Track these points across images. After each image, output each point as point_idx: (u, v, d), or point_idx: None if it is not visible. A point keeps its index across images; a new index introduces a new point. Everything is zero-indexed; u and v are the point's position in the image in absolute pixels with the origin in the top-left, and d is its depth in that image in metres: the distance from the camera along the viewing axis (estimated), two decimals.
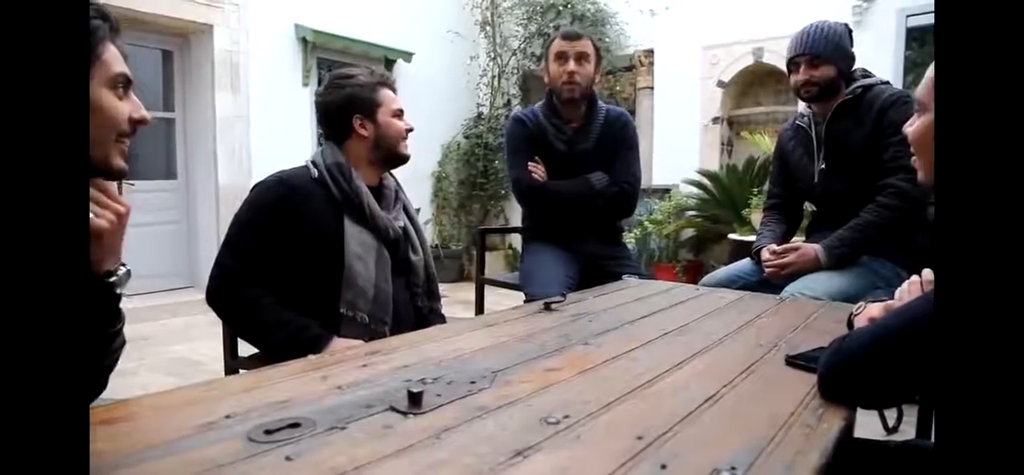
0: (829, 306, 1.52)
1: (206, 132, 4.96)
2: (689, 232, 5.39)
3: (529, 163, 2.14)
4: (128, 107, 0.93)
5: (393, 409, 0.77)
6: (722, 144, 5.55)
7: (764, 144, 4.73)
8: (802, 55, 1.87)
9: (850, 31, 1.89)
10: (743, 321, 1.34)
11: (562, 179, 2.13)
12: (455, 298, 5.02)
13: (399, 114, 1.59)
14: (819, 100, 1.92)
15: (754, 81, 5.48)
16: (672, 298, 1.61)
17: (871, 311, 0.99)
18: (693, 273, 5.28)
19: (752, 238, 4.37)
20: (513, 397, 0.83)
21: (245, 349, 1.52)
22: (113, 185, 0.94)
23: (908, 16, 4.71)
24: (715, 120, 5.51)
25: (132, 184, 4.79)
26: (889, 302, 1.00)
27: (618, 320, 1.32)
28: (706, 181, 5.16)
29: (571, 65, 2.09)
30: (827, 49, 1.83)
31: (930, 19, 4.62)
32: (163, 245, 4.98)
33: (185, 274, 5.01)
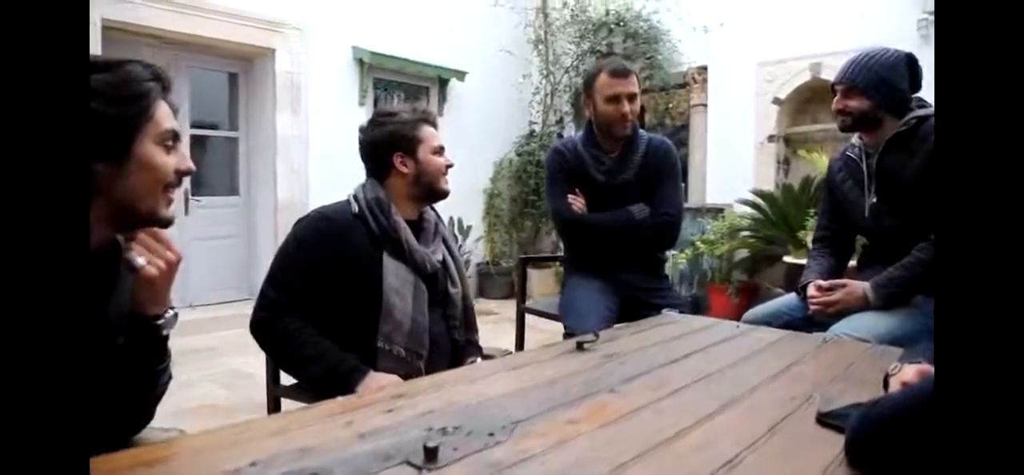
0: (873, 351, 1.46)
1: (267, 151, 5.17)
2: (743, 253, 5.25)
3: (569, 195, 2.14)
4: (175, 160, 1.00)
5: (409, 463, 0.79)
6: (778, 163, 5.40)
7: (822, 163, 4.56)
8: (839, 83, 1.83)
9: (912, 62, 1.81)
10: (780, 367, 1.30)
11: (602, 210, 2.13)
12: (504, 316, 5.05)
13: (439, 151, 1.63)
14: (853, 130, 1.87)
15: (812, 98, 5.31)
16: (709, 338, 1.58)
17: (906, 374, 0.95)
18: (746, 295, 5.15)
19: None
20: (528, 453, 0.84)
21: (287, 377, 1.58)
22: (166, 233, 1.00)
23: None
24: (771, 138, 5.37)
25: (198, 200, 5.04)
26: (924, 366, 0.96)
27: (649, 364, 1.31)
28: (761, 201, 5.03)
29: (626, 107, 2.09)
30: (865, 80, 1.77)
31: None
32: (225, 259, 5.21)
33: (245, 287, 5.22)
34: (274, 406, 1.62)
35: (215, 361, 3.81)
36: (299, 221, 1.55)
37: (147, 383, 1.02)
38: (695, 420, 0.98)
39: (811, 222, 4.36)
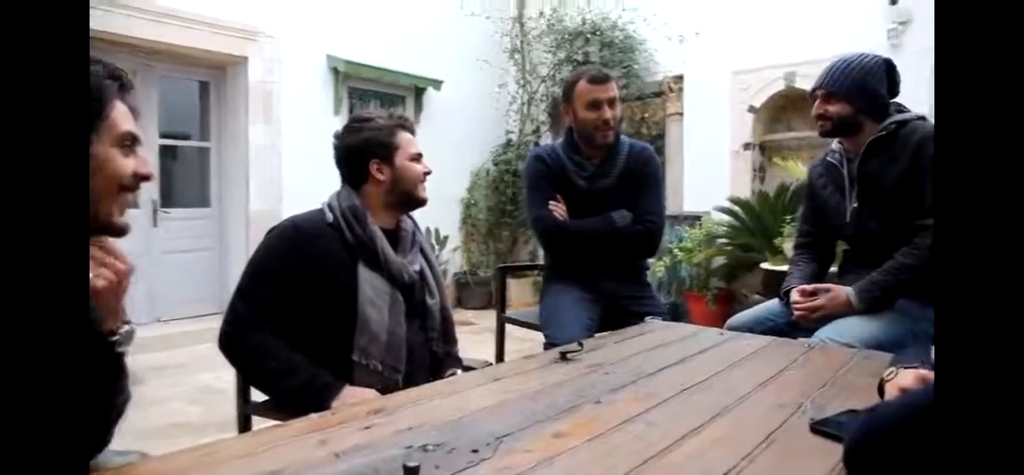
0: (861, 356, 1.44)
1: (240, 161, 5.06)
2: (720, 260, 5.27)
3: (550, 202, 2.10)
4: (133, 163, 0.93)
5: None
6: (754, 170, 5.44)
7: (797, 170, 4.61)
8: (819, 88, 1.84)
9: (890, 68, 1.82)
10: (768, 374, 1.28)
11: (584, 217, 2.09)
12: (482, 326, 4.99)
13: (417, 158, 1.58)
14: (833, 135, 1.87)
15: (786, 105, 5.37)
16: (694, 345, 1.55)
17: (902, 380, 0.92)
18: (724, 302, 5.15)
19: (784, 268, 4.26)
20: (514, 469, 0.79)
21: (259, 394, 1.51)
22: (116, 243, 0.94)
23: None
24: (746, 146, 5.41)
25: (168, 212, 4.91)
26: (923, 372, 0.93)
27: (635, 373, 1.27)
28: (737, 208, 5.05)
29: (607, 113, 2.05)
30: (844, 86, 1.77)
31: None
32: (196, 272, 5.08)
33: (217, 300, 5.08)
34: (244, 424, 1.55)
35: (185, 377, 3.69)
36: (271, 231, 1.49)
37: (102, 404, 0.95)
38: (686, 431, 0.95)
39: (788, 229, 4.38)
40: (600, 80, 2.08)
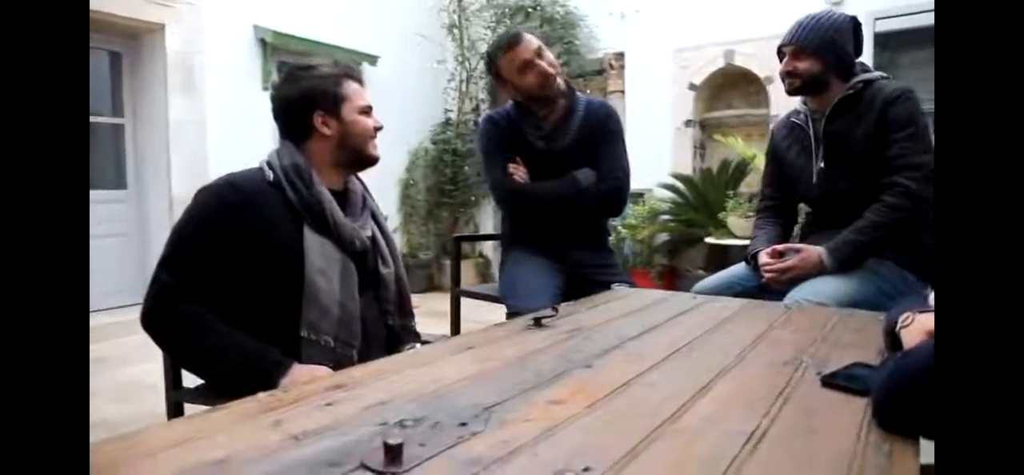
0: (842, 314, 1.39)
1: (158, 138, 4.68)
2: (663, 236, 5.29)
3: (509, 164, 1.97)
4: None
5: (366, 468, 0.60)
6: (695, 147, 5.48)
7: (738, 146, 4.66)
8: (787, 45, 1.78)
9: (856, 26, 1.79)
10: (755, 334, 1.20)
11: (545, 179, 1.97)
12: (426, 309, 4.82)
13: (367, 111, 1.42)
14: (801, 93, 1.83)
15: (726, 83, 5.42)
16: (670, 309, 1.47)
17: (927, 323, 0.86)
18: (669, 278, 5.19)
19: (729, 242, 4.31)
20: (515, 443, 0.67)
21: (191, 378, 1.32)
22: None
23: (876, 19, 4.70)
24: (687, 123, 5.44)
25: None
26: None
27: (618, 337, 1.17)
28: (680, 184, 5.08)
29: (541, 64, 1.91)
30: (813, 43, 1.73)
31: (898, 23, 4.64)
32: (113, 260, 4.67)
33: (137, 290, 4.68)
34: (176, 414, 1.36)
35: (106, 373, 3.37)
36: (201, 190, 1.29)
37: None
38: (692, 393, 0.85)
39: (731, 204, 4.43)
40: (515, 42, 1.94)
